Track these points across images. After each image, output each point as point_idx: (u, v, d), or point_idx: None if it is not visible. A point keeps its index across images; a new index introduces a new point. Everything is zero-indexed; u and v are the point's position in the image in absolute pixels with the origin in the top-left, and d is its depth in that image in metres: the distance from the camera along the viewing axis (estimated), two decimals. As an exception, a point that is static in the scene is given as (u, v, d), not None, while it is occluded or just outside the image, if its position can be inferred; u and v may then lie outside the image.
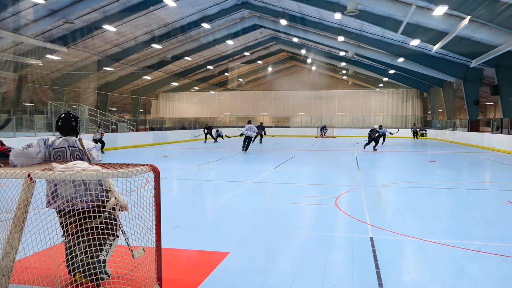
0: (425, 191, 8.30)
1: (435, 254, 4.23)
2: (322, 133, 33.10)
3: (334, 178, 10.46)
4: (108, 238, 3.23)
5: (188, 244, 4.60)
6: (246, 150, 17.03)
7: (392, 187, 8.84)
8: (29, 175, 2.78)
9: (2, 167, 3.05)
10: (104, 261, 3.18)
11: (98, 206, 3.22)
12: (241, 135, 17.93)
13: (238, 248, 4.36)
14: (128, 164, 3.07)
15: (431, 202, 7.35)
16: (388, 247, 4.41)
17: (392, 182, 9.57)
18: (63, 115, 3.50)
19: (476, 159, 15.68)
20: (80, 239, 3.21)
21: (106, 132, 22.59)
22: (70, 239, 3.23)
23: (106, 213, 3.26)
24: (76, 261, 3.17)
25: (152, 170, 2.97)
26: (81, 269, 3.13)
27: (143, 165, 2.99)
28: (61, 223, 3.28)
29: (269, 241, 4.76)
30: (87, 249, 3.16)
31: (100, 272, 3.13)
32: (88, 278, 3.12)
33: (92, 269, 3.10)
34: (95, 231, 3.18)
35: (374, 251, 4.22)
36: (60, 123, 3.44)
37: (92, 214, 3.19)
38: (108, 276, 3.21)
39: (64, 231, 3.26)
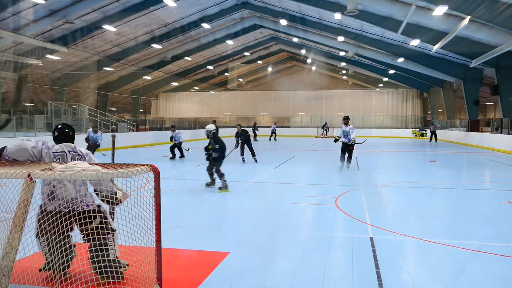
0: (425, 191, 8.30)
1: (435, 254, 4.23)
2: (323, 131, 33.11)
3: (334, 178, 10.46)
4: (108, 237, 3.32)
5: (188, 244, 4.60)
6: (182, 156, 14.31)
7: (392, 187, 8.84)
8: (29, 175, 2.78)
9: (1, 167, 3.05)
10: (117, 257, 3.33)
11: (98, 207, 3.35)
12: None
13: (238, 248, 4.36)
14: (128, 164, 3.07)
15: (431, 202, 7.36)
16: (388, 247, 4.41)
17: (392, 182, 9.57)
18: (60, 126, 3.62)
19: (476, 159, 15.68)
20: (87, 241, 3.32)
21: (105, 132, 22.58)
22: (54, 238, 3.26)
23: (102, 214, 3.40)
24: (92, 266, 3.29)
25: (152, 170, 2.97)
26: (104, 274, 3.24)
27: (143, 165, 2.99)
28: (52, 222, 3.30)
29: (269, 241, 4.76)
30: (98, 251, 3.26)
31: (120, 267, 3.29)
32: (111, 278, 3.25)
33: (109, 268, 3.23)
34: (95, 231, 3.27)
35: (374, 251, 4.22)
36: (56, 133, 3.55)
37: (92, 215, 3.29)
38: (127, 266, 3.41)
39: (51, 230, 3.27)
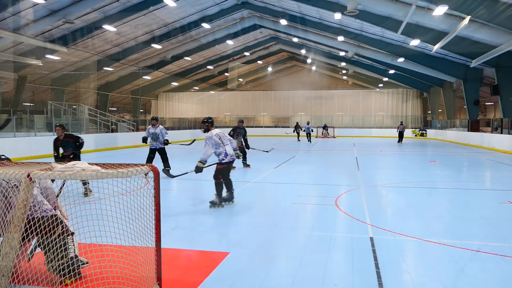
0: (425, 191, 8.30)
1: (435, 254, 4.23)
2: (323, 132, 33.40)
3: (334, 178, 10.45)
4: (67, 237, 3.39)
5: (188, 244, 4.60)
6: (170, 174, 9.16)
7: (392, 187, 8.84)
8: (28, 175, 2.78)
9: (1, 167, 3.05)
10: (76, 256, 3.38)
11: (54, 215, 3.44)
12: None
13: (238, 248, 4.35)
14: (128, 164, 3.07)
15: (431, 202, 7.35)
16: (388, 247, 4.40)
17: (392, 182, 9.56)
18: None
19: (476, 159, 15.68)
20: (47, 245, 3.35)
21: (106, 132, 22.59)
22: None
23: (60, 220, 3.47)
24: (53, 268, 3.34)
25: (151, 170, 2.97)
26: (60, 271, 3.30)
27: (143, 165, 3.00)
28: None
29: (269, 241, 4.76)
30: (58, 252, 3.32)
31: (78, 267, 3.35)
32: (71, 277, 3.33)
33: (71, 267, 3.30)
34: (56, 235, 3.35)
35: (374, 251, 4.22)
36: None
37: (52, 221, 3.36)
38: (86, 263, 3.44)
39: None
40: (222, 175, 6.52)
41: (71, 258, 3.33)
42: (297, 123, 30.17)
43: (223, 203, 6.47)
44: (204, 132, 6.69)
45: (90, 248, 3.50)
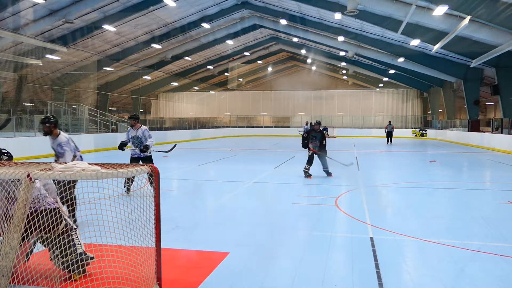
0: (425, 191, 8.29)
1: (435, 254, 4.23)
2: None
3: (334, 178, 10.44)
4: (71, 233, 3.40)
5: (188, 244, 4.60)
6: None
7: (392, 187, 8.84)
8: (28, 175, 2.78)
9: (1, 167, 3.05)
10: (83, 252, 3.40)
11: (57, 208, 3.42)
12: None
13: (238, 248, 4.35)
14: (128, 164, 3.07)
15: (431, 202, 7.35)
16: (388, 247, 4.40)
17: (392, 182, 9.56)
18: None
19: (476, 159, 15.68)
20: (51, 240, 3.34)
21: (105, 132, 22.59)
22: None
23: (64, 216, 3.46)
24: (59, 263, 3.34)
25: (151, 170, 2.97)
26: (68, 267, 3.32)
27: (142, 165, 3.00)
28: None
29: (269, 241, 4.76)
30: (65, 247, 3.32)
31: (87, 264, 3.40)
32: (80, 273, 3.37)
33: (79, 263, 3.33)
34: (61, 230, 3.35)
35: (374, 251, 4.22)
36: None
37: (56, 218, 3.34)
38: (93, 258, 3.44)
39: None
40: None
41: (80, 254, 3.34)
42: (308, 121, 28.57)
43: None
44: (46, 135, 5.13)
45: (90, 248, 3.50)
